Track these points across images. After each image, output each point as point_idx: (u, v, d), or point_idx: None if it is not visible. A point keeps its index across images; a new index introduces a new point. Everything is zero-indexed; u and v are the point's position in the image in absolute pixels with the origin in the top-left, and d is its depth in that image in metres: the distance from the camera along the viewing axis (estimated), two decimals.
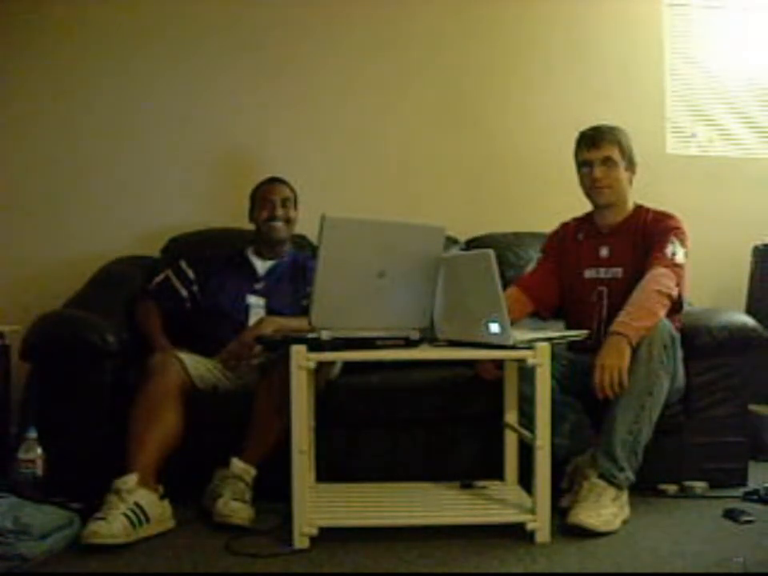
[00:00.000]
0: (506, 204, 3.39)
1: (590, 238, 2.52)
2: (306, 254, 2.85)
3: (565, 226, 2.64)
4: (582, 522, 2.02)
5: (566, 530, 2.03)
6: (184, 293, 2.65)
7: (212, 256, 2.76)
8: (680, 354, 2.30)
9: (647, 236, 2.40)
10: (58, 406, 2.32)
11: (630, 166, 2.46)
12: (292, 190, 2.76)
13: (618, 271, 2.43)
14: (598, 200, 2.46)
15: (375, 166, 3.36)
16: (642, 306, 2.19)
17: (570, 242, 2.57)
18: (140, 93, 3.23)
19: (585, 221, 2.59)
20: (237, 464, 2.15)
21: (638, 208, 2.49)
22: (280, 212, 2.69)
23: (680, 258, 2.32)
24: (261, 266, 2.73)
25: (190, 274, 2.67)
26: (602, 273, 2.46)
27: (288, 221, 2.71)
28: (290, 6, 3.31)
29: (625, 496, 2.15)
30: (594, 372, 2.13)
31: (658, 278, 2.25)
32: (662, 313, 2.21)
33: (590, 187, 2.46)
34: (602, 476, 2.11)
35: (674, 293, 2.25)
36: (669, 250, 2.32)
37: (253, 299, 2.64)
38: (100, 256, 2.98)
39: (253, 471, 2.16)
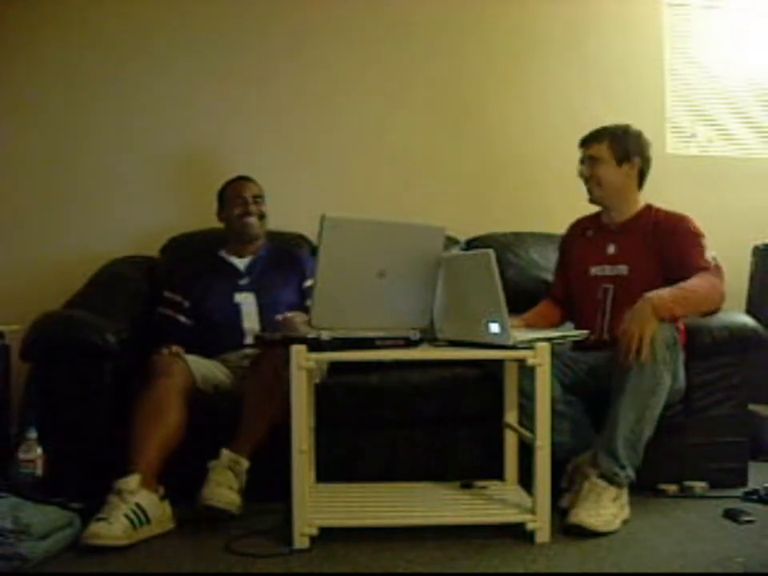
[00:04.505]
0: (506, 204, 3.39)
1: (598, 235, 2.54)
2: (284, 244, 2.85)
3: (575, 224, 2.67)
4: (582, 521, 2.02)
5: (566, 529, 2.03)
6: (183, 319, 2.63)
7: (189, 269, 2.73)
8: (681, 355, 2.30)
9: (659, 236, 2.41)
10: (58, 406, 2.32)
11: (626, 159, 2.47)
12: (258, 184, 2.77)
13: (623, 268, 2.44)
14: (589, 196, 2.52)
15: (375, 166, 3.37)
16: (687, 296, 2.19)
17: (579, 238, 2.60)
18: (139, 94, 3.23)
19: (594, 219, 2.61)
20: (225, 454, 2.14)
21: (648, 207, 2.50)
22: (253, 208, 2.70)
23: (715, 261, 2.35)
24: (239, 262, 2.72)
25: (178, 298, 2.65)
26: (608, 270, 2.47)
27: (261, 216, 2.72)
28: (292, 6, 3.31)
29: (625, 496, 2.15)
30: (616, 341, 2.16)
31: (715, 287, 2.25)
32: (693, 312, 2.25)
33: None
34: (602, 475, 2.11)
35: (720, 305, 2.27)
36: (708, 255, 2.33)
37: (241, 297, 2.63)
38: (100, 256, 2.98)
39: (244, 462, 2.16)
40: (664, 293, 2.18)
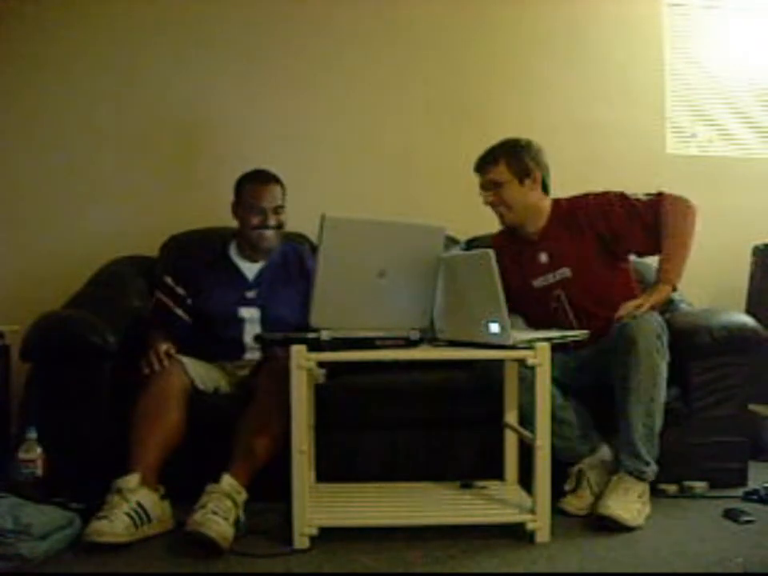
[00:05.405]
0: None
1: (525, 249, 2.51)
2: (297, 246, 2.72)
3: (493, 242, 2.58)
4: (613, 513, 2.04)
5: (597, 521, 2.06)
6: (181, 313, 2.53)
7: (193, 263, 2.60)
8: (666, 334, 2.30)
9: (587, 223, 2.41)
10: (58, 405, 2.32)
11: (527, 175, 2.43)
12: (282, 186, 2.58)
13: (565, 271, 2.43)
14: (502, 222, 2.49)
15: (375, 166, 3.36)
16: (675, 248, 2.32)
17: (506, 257, 2.43)
18: (140, 94, 3.24)
19: (508, 236, 2.57)
20: (227, 480, 2.01)
21: (555, 203, 2.50)
22: (272, 221, 2.52)
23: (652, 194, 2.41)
24: (248, 269, 2.59)
25: (179, 290, 2.53)
26: (551, 278, 2.45)
27: (279, 227, 2.56)
28: (292, 7, 3.31)
29: (648, 492, 2.17)
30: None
31: (679, 206, 2.38)
32: (693, 232, 2.36)
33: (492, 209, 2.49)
34: (630, 474, 2.14)
35: (692, 204, 2.38)
36: (643, 196, 2.40)
37: (246, 313, 2.50)
38: (100, 256, 2.97)
39: (244, 493, 2.03)
40: (667, 265, 2.30)
